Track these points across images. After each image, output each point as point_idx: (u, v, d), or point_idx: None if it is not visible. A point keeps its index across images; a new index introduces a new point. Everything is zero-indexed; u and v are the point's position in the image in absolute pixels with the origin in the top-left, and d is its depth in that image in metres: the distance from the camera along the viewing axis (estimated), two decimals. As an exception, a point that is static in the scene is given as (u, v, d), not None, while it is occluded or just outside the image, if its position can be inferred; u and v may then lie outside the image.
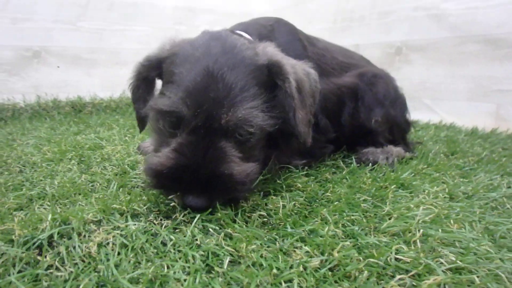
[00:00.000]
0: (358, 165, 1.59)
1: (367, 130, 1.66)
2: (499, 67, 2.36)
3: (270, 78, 1.16)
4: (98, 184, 1.31)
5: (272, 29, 1.57)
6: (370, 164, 1.56)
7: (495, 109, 2.41)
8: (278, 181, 1.33)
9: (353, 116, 1.64)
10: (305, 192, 1.28)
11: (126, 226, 0.95)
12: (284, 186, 1.30)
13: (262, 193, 1.25)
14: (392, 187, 1.30)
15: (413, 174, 1.49)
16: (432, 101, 2.57)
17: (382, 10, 2.95)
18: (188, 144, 1.04)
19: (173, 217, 1.04)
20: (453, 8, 2.53)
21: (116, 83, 3.25)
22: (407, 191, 1.29)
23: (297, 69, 1.23)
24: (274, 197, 1.22)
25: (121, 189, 1.25)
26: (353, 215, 1.11)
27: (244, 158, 1.11)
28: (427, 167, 1.60)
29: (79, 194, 1.20)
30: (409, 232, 0.98)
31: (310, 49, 1.61)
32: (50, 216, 0.92)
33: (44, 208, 1.08)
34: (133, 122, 2.53)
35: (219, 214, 1.03)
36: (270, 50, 1.22)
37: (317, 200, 1.23)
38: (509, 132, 2.34)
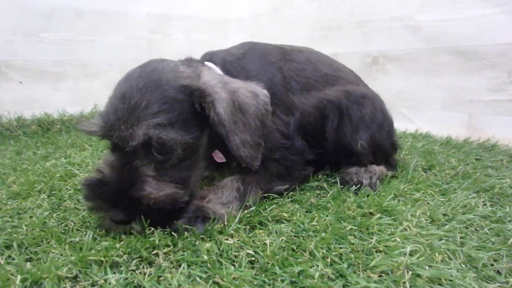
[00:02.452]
0: (342, 186, 1.57)
1: (352, 151, 1.64)
2: (470, 78, 2.41)
3: (196, 101, 1.17)
4: (72, 223, 1.23)
5: (242, 57, 1.54)
6: (354, 186, 1.54)
7: (467, 119, 2.46)
8: (263, 213, 1.29)
9: (338, 132, 1.61)
10: (291, 223, 1.25)
11: (106, 280, 0.89)
12: (270, 218, 1.26)
13: (248, 227, 1.21)
14: (377, 215, 1.29)
15: (395, 196, 1.48)
16: (409, 110, 2.60)
17: (360, 19, 2.96)
18: (108, 163, 1.12)
19: (156, 262, 0.99)
20: (428, 20, 2.57)
21: (86, 97, 3.12)
22: (391, 218, 1.27)
23: (239, 92, 1.23)
24: (260, 231, 1.18)
25: (97, 230, 1.18)
26: (340, 248, 1.09)
27: (160, 177, 1.13)
28: (407, 185, 1.60)
29: (52, 238, 1.12)
30: (398, 270, 0.96)
31: (286, 67, 1.58)
32: (19, 278, 0.84)
33: (13, 260, 1.00)
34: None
35: (205, 257, 0.99)
36: (204, 75, 1.22)
37: (304, 232, 1.19)
38: (480, 141, 2.39)
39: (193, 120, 1.17)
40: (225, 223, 1.22)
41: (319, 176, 1.73)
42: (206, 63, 1.46)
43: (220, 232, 1.17)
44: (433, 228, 1.23)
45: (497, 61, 2.28)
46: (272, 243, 1.09)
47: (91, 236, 1.09)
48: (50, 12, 3.05)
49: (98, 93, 3.19)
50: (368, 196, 1.45)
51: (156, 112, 1.10)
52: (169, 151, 1.13)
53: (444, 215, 1.34)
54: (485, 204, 1.45)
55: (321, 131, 1.61)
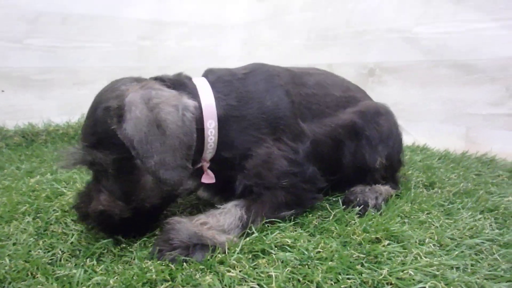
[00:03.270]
0: (345, 206, 1.51)
1: (369, 170, 1.58)
2: (469, 91, 2.39)
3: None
4: (59, 252, 1.14)
5: (244, 77, 1.43)
6: (358, 206, 1.48)
7: (465, 132, 2.43)
8: (265, 239, 1.22)
9: (355, 155, 1.55)
10: (295, 249, 1.18)
11: (100, 325, 0.81)
12: (273, 245, 1.19)
13: (250, 255, 1.14)
14: (385, 242, 1.22)
15: (401, 218, 1.43)
16: (406, 122, 2.54)
17: (356, 29, 2.92)
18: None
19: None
20: (426, 32, 2.54)
21: (74, 106, 3.00)
22: (400, 245, 1.21)
23: (160, 107, 1.11)
24: (264, 260, 1.10)
25: (87, 260, 1.09)
26: (348, 279, 1.03)
27: (111, 193, 1.20)
28: (411, 205, 1.55)
29: (37, 271, 1.03)
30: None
31: (295, 92, 1.48)
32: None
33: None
34: None
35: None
36: (131, 94, 1.14)
37: (309, 259, 1.12)
38: (478, 155, 2.36)
39: (120, 140, 1.09)
40: (226, 252, 1.14)
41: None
42: (195, 80, 1.36)
43: (221, 262, 1.09)
44: (442, 255, 1.17)
45: (497, 75, 2.26)
46: (278, 276, 1.02)
47: (82, 271, 1.00)
48: (35, 17, 2.92)
49: (86, 102, 3.02)
50: (373, 218, 1.39)
51: (85, 134, 1.20)
52: (103, 169, 1.18)
53: (452, 239, 1.28)
54: (491, 226, 1.40)
55: (335, 158, 1.53)
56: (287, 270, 1.05)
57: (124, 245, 1.22)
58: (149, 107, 1.11)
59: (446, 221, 1.43)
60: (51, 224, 1.34)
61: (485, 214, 1.50)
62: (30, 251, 1.14)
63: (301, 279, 1.02)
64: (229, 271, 1.04)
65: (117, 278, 0.96)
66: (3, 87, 2.80)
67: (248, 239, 1.21)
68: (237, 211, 1.28)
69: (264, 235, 1.25)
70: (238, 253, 1.12)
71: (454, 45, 2.41)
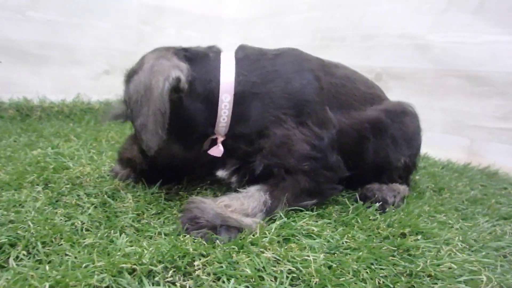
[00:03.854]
0: (362, 202, 1.47)
1: (390, 168, 1.58)
2: (477, 103, 2.40)
3: None
4: (79, 222, 1.07)
5: (274, 57, 1.41)
6: (376, 202, 1.45)
7: (469, 144, 2.45)
8: (293, 226, 1.18)
9: (378, 153, 1.52)
10: (322, 238, 1.15)
11: (144, 293, 0.75)
12: (302, 232, 1.16)
13: (281, 239, 1.10)
14: (412, 237, 1.21)
15: (422, 217, 1.41)
16: (409, 130, 2.56)
17: (365, 33, 2.90)
18: None
19: (194, 274, 0.86)
20: (439, 40, 2.54)
21: (69, 85, 2.91)
22: (430, 241, 1.19)
23: (153, 74, 1.17)
24: (294, 245, 1.07)
25: (112, 232, 1.03)
26: (382, 269, 1.01)
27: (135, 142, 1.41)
28: (428, 206, 1.53)
29: (61, 238, 0.97)
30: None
31: (326, 79, 1.45)
32: (47, 285, 0.69)
33: (21, 262, 0.84)
34: (95, 134, 2.24)
35: (248, 270, 0.88)
36: (146, 61, 1.23)
37: (336, 249, 1.10)
38: (480, 167, 2.37)
39: None
40: (255, 233, 1.11)
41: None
42: (223, 55, 1.35)
43: (252, 244, 1.05)
44: (471, 254, 1.15)
45: (506, 90, 2.28)
46: (316, 259, 0.98)
47: (108, 241, 0.94)
48: (39, -11, 2.82)
49: (82, 83, 3.01)
50: (395, 215, 1.37)
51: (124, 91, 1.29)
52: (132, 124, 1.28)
53: (475, 240, 1.27)
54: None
55: (357, 152, 1.50)
56: (321, 256, 1.01)
57: (145, 221, 1.16)
58: (150, 74, 1.17)
59: (465, 224, 1.42)
60: (63, 196, 1.27)
61: (500, 221, 1.50)
62: (48, 218, 1.06)
63: (334, 265, 0.99)
64: (263, 252, 1.00)
65: (152, 250, 0.90)
66: (1, 58, 2.68)
67: (277, 223, 1.17)
68: (261, 195, 1.26)
69: (291, 221, 1.22)
70: (271, 235, 1.08)
71: (466, 55, 2.42)
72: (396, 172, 1.60)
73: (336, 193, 1.46)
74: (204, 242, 1.01)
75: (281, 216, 1.22)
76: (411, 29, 2.67)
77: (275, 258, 0.99)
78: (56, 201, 1.23)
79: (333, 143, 1.38)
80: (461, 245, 1.20)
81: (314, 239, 1.14)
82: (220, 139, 1.35)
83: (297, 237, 1.13)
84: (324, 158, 1.35)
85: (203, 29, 3.74)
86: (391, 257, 1.07)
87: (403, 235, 1.23)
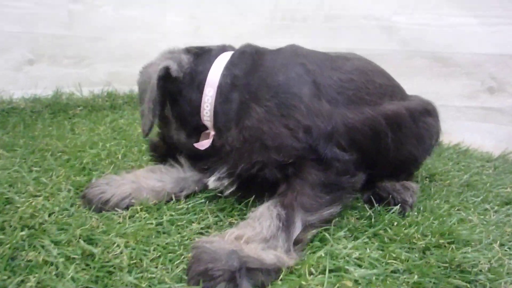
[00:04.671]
0: (378, 204, 1.39)
1: (416, 167, 1.62)
2: (444, 83, 2.43)
3: None
4: None
5: (268, 54, 1.38)
6: (396, 205, 1.36)
7: (439, 123, 2.49)
8: (335, 253, 1.03)
9: (400, 149, 1.41)
10: (365, 262, 1.02)
11: None
12: (347, 259, 1.02)
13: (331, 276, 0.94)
14: (453, 245, 1.13)
15: (445, 217, 1.33)
16: (377, 112, 2.53)
17: (329, 13, 2.78)
18: None
19: None
20: (405, 22, 2.51)
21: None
22: (474, 249, 1.12)
23: (150, 69, 1.34)
24: (347, 283, 0.90)
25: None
26: None
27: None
28: (439, 202, 1.49)
29: None
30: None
31: (325, 74, 1.31)
32: None
33: None
34: (32, 143, 1.80)
35: None
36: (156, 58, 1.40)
37: (389, 274, 0.99)
38: (451, 145, 2.42)
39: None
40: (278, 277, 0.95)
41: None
42: (227, 52, 1.39)
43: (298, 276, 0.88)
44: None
45: (472, 70, 2.34)
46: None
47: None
48: None
49: (1, 76, 2.49)
50: (423, 221, 1.26)
51: None
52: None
53: (508, 240, 1.24)
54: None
55: (375, 150, 1.36)
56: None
57: (149, 274, 0.92)
58: (151, 66, 1.35)
59: (481, 217, 1.39)
60: (22, 250, 0.95)
61: (505, 207, 1.51)
62: None
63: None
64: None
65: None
66: None
67: (317, 255, 0.99)
68: (271, 210, 1.11)
69: (321, 245, 1.08)
70: (315, 274, 0.93)
71: (432, 37, 2.42)
72: (415, 170, 1.61)
73: (358, 185, 1.30)
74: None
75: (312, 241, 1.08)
76: (376, 11, 2.61)
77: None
78: (13, 259, 0.92)
79: (329, 136, 1.23)
80: (500, 249, 1.14)
81: (360, 266, 1.01)
82: (212, 133, 1.32)
83: (345, 269, 0.98)
84: (313, 151, 1.20)
85: (145, 8, 3.29)
86: (449, 278, 0.99)
87: (442, 245, 1.14)
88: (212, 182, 1.29)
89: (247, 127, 1.21)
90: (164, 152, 1.49)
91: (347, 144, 1.27)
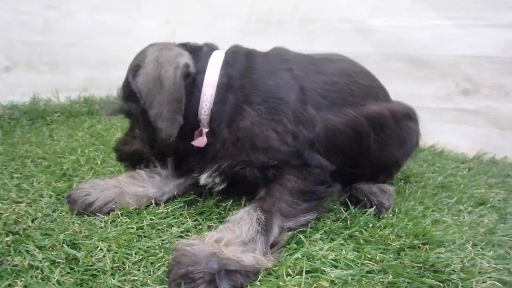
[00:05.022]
0: (354, 206, 1.41)
1: (396, 168, 1.63)
2: (419, 85, 2.47)
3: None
4: None
5: (258, 56, 1.39)
6: (372, 207, 1.40)
7: (413, 124, 2.52)
8: (312, 254, 1.05)
9: (382, 150, 1.46)
10: (341, 263, 1.05)
11: None
12: (325, 262, 1.03)
13: (308, 276, 0.96)
14: (427, 246, 1.16)
15: (418, 219, 1.36)
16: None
17: (304, 16, 2.80)
18: None
19: None
20: (380, 25, 2.54)
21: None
22: (447, 250, 1.15)
23: (163, 65, 1.25)
24: (324, 283, 0.93)
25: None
26: None
27: (141, 139, 1.43)
28: (413, 203, 1.52)
29: None
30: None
31: (310, 78, 1.35)
32: None
33: None
34: (11, 150, 1.79)
35: None
36: (149, 53, 1.29)
37: (364, 275, 1.01)
38: (426, 146, 2.48)
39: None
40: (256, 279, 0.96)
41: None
42: (216, 51, 1.39)
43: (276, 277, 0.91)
44: (490, 258, 1.13)
45: (448, 72, 2.37)
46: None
47: None
48: None
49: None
50: (398, 223, 1.29)
51: (123, 87, 1.36)
52: (135, 118, 1.38)
53: (480, 240, 1.27)
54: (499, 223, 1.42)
55: (358, 150, 1.40)
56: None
57: (132, 276, 0.93)
58: (157, 64, 1.24)
59: (455, 218, 1.43)
60: (7, 255, 0.97)
61: (480, 208, 1.54)
62: None
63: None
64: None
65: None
66: None
67: (294, 256, 1.02)
68: (251, 215, 1.13)
69: (298, 247, 1.11)
70: (292, 275, 0.95)
71: (407, 39, 2.46)
72: (396, 173, 1.64)
73: (335, 193, 1.34)
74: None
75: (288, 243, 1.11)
76: (351, 13, 2.64)
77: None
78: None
79: (312, 143, 1.28)
80: (472, 249, 1.18)
81: (337, 267, 1.03)
82: (205, 130, 1.33)
83: (321, 271, 1.00)
84: (297, 155, 1.25)
85: (119, 12, 3.30)
86: (423, 278, 1.00)
87: (416, 246, 1.17)
88: (204, 178, 1.32)
89: (241, 128, 1.24)
90: (138, 158, 1.44)
91: (328, 148, 1.31)
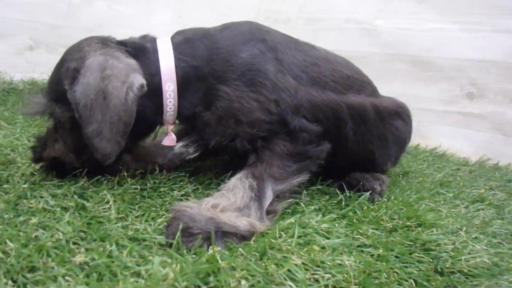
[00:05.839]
0: (349, 191, 1.44)
1: (374, 166, 1.55)
2: (423, 87, 2.48)
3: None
4: (59, 234, 0.86)
5: (217, 33, 1.34)
6: (364, 192, 1.42)
7: (416, 126, 2.51)
8: (307, 224, 1.08)
9: (359, 143, 1.45)
10: (333, 235, 1.06)
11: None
12: (317, 230, 1.06)
13: (301, 240, 0.99)
14: (420, 228, 1.18)
15: (414, 205, 1.39)
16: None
17: (311, 16, 2.84)
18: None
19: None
20: (386, 26, 2.57)
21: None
22: (441, 232, 1.16)
23: (110, 79, 1.12)
24: (315, 248, 0.96)
25: (107, 244, 0.84)
26: (406, 267, 0.97)
27: (65, 144, 1.24)
28: (411, 193, 1.53)
29: (48, 256, 0.76)
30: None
31: (289, 53, 1.35)
32: None
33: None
34: (29, 118, 1.90)
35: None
36: (90, 58, 1.15)
37: (355, 247, 1.04)
38: (428, 148, 2.48)
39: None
40: (252, 240, 1.00)
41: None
42: (159, 42, 1.29)
43: (271, 248, 0.94)
44: (483, 244, 1.14)
45: (452, 75, 2.38)
46: (352, 264, 0.90)
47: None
48: None
49: (3, 59, 2.59)
50: (392, 206, 1.32)
51: (49, 89, 1.22)
52: (59, 123, 1.21)
53: (475, 230, 1.27)
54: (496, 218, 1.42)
55: (336, 135, 1.39)
56: (357, 261, 0.94)
57: (134, 226, 0.99)
58: (102, 77, 1.11)
59: (453, 210, 1.43)
60: (24, 199, 1.04)
61: (476, 203, 1.54)
62: (20, 231, 0.84)
63: (362, 267, 0.92)
64: (289, 259, 0.89)
65: (177, 268, 0.74)
66: None
67: (287, 221, 1.07)
68: (243, 182, 1.16)
69: (291, 215, 1.15)
70: (291, 238, 0.98)
71: (413, 41, 2.48)
72: (382, 171, 1.60)
73: (323, 154, 1.33)
74: (226, 252, 0.87)
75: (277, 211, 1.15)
76: (358, 14, 2.67)
77: (304, 264, 0.88)
78: (16, 205, 1.00)
79: (297, 108, 1.29)
80: (466, 235, 1.18)
81: (328, 238, 1.05)
82: (170, 127, 1.33)
83: (312, 236, 1.03)
84: (283, 122, 1.26)
85: (134, 5, 3.42)
86: (413, 254, 1.03)
87: (408, 227, 1.19)
88: (178, 148, 1.38)
89: (220, 108, 1.24)
90: (72, 167, 1.26)
91: (311, 119, 1.32)
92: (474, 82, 2.34)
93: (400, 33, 2.53)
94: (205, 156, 1.45)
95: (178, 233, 0.91)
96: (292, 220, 1.06)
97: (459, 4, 2.35)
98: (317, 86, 1.36)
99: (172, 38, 1.32)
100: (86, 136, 1.10)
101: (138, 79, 1.14)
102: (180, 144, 1.35)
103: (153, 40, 1.30)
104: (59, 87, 1.14)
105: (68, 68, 1.14)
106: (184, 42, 1.30)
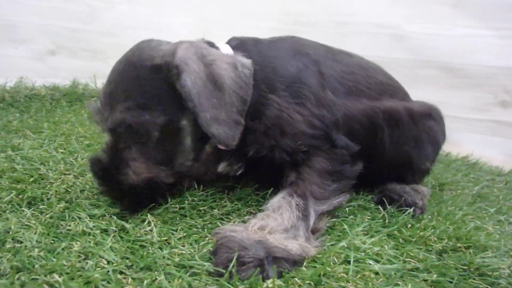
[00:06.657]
0: (389, 205, 1.40)
1: (413, 168, 1.52)
2: (454, 94, 2.42)
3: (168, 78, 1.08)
4: (104, 262, 0.82)
5: (269, 45, 1.34)
6: (406, 207, 1.37)
7: (447, 134, 2.47)
8: (356, 246, 1.04)
9: (396, 147, 1.43)
10: (383, 258, 1.01)
11: None
12: (370, 254, 1.01)
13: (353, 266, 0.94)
14: (470, 250, 1.12)
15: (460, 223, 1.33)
16: (386, 120, 2.54)
17: (340, 20, 2.79)
18: (106, 144, 1.14)
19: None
20: (417, 31, 2.51)
21: (9, 67, 2.46)
22: (494, 255, 1.10)
23: (215, 64, 1.10)
24: (368, 273, 0.92)
25: (156, 275, 0.79)
26: None
27: (146, 159, 1.12)
28: (454, 208, 1.48)
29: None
30: None
31: (327, 64, 1.34)
32: None
33: None
34: (54, 127, 1.86)
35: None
36: (179, 51, 1.09)
37: (406, 272, 0.98)
38: (459, 156, 2.42)
39: (170, 100, 1.09)
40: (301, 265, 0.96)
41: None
42: (219, 45, 1.28)
43: (325, 275, 0.89)
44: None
45: (485, 82, 2.31)
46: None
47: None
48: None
49: (25, 64, 2.56)
50: (440, 225, 1.27)
51: (128, 95, 1.08)
52: (146, 133, 1.09)
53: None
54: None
55: (372, 142, 1.39)
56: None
57: (179, 250, 0.94)
58: (205, 63, 1.09)
59: (496, 227, 1.37)
60: (61, 220, 0.99)
61: None
62: (63, 259, 0.79)
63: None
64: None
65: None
66: None
67: (339, 245, 1.02)
68: (289, 202, 1.13)
69: (341, 238, 1.10)
70: (337, 263, 0.94)
71: (445, 47, 2.42)
72: (421, 174, 1.58)
73: (357, 172, 1.30)
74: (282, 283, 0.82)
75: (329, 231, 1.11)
76: (388, 19, 2.61)
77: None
78: (55, 227, 0.96)
79: (336, 124, 1.28)
80: None
81: (378, 261, 1.00)
82: None
83: (363, 261, 0.98)
84: (326, 136, 1.24)
85: (156, 7, 3.36)
86: (468, 280, 0.98)
87: (458, 248, 1.13)
88: (222, 167, 1.35)
89: (269, 117, 1.22)
90: (165, 185, 1.19)
91: (346, 133, 1.30)
92: (508, 89, 2.28)
93: (431, 38, 2.47)
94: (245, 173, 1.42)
95: (233, 262, 0.86)
96: (344, 244, 1.01)
97: (496, 10, 2.28)
98: (353, 95, 1.35)
99: (228, 42, 1.33)
100: (203, 123, 1.03)
101: (242, 59, 1.16)
102: (225, 163, 1.33)
103: (212, 44, 1.28)
104: (146, 90, 1.08)
105: (159, 67, 1.08)
106: (241, 46, 1.29)
